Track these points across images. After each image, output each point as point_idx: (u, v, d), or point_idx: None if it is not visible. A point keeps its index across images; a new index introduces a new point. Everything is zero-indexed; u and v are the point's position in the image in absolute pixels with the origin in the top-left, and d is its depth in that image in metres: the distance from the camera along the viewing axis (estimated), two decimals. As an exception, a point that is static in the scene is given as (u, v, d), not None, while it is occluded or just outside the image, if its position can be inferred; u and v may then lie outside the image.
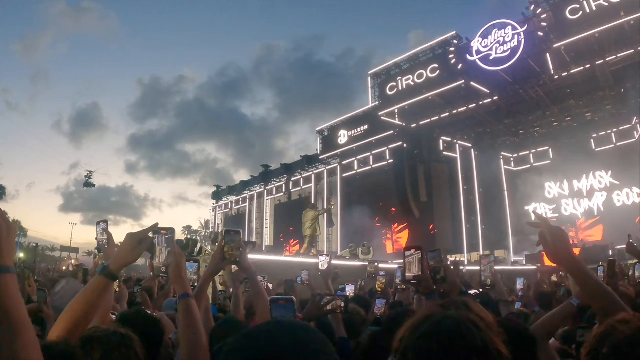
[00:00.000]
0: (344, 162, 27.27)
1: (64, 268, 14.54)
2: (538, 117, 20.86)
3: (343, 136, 25.92)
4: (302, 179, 30.29)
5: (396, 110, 21.59)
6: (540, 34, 16.88)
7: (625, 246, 4.17)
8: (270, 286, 5.28)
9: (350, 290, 4.81)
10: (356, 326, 3.19)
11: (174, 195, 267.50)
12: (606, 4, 15.22)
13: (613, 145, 20.94)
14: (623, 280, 4.30)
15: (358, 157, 26.32)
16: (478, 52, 18.04)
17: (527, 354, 1.63)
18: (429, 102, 20.30)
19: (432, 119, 20.57)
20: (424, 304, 2.37)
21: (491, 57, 17.65)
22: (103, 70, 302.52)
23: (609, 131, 20.92)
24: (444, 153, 23.11)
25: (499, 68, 17.52)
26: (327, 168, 28.29)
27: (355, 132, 25.31)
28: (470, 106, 19.32)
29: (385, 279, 4.90)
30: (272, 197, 32.83)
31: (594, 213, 21.79)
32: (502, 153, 24.50)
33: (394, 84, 21.94)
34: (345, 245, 22.90)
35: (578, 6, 15.84)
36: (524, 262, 18.80)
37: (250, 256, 2.64)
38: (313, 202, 24.77)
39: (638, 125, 19.25)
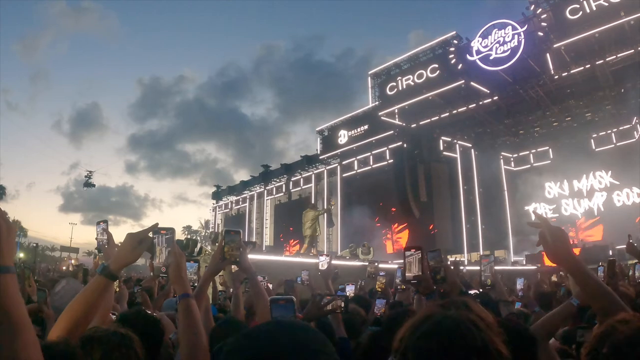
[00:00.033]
0: (344, 162, 27.27)
1: (64, 268, 14.53)
2: (538, 117, 20.87)
3: (343, 136, 25.93)
4: (302, 179, 30.29)
5: (396, 110, 21.59)
6: (540, 34, 16.88)
7: (625, 246, 4.17)
8: (270, 286, 5.28)
9: (350, 290, 4.81)
10: (356, 326, 3.19)
11: (174, 195, 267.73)
12: (606, 4, 15.21)
13: (613, 145, 20.94)
14: (623, 280, 4.30)
15: (358, 157, 26.32)
16: (478, 52, 18.04)
17: (527, 354, 1.63)
18: (429, 102, 20.30)
19: (432, 119, 20.57)
20: (424, 304, 2.37)
21: (491, 57, 17.65)
22: (103, 70, 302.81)
23: (609, 131, 20.92)
24: (444, 153, 23.10)
25: (499, 68, 17.52)
26: (327, 168, 28.29)
27: (355, 132, 25.32)
28: (470, 106, 19.32)
29: (385, 279, 4.90)
30: (272, 197, 32.83)
31: (594, 213, 21.79)
32: (502, 153, 24.50)
33: (394, 84, 21.94)
34: (345, 245, 22.90)
35: (578, 6, 15.84)
36: (524, 262, 18.79)
37: (250, 256, 2.64)
38: (313, 202, 24.77)
39: (638, 125, 19.25)
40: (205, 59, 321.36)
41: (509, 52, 17.19)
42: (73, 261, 14.24)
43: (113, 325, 1.84)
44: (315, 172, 29.15)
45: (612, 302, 1.61)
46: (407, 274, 2.28)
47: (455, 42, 19.90)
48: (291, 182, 30.42)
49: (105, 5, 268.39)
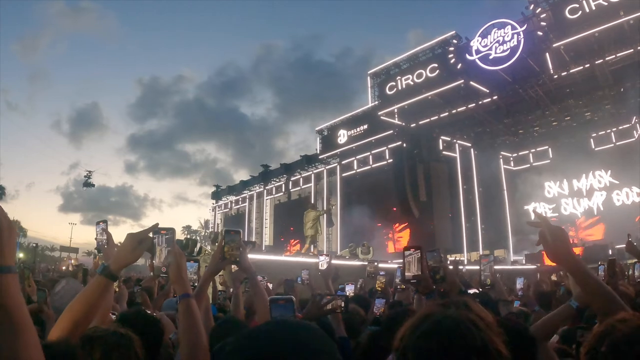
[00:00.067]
0: (343, 162, 27.26)
1: (64, 268, 14.53)
2: (537, 116, 20.89)
3: (342, 136, 25.93)
4: (301, 179, 30.29)
5: (395, 110, 21.60)
6: (540, 33, 16.90)
7: (624, 245, 4.17)
8: (270, 286, 5.27)
9: (350, 289, 4.81)
10: (355, 326, 3.19)
11: (173, 195, 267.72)
12: (605, 4, 15.23)
13: (612, 145, 20.94)
14: (623, 279, 4.30)
15: (357, 157, 26.31)
16: (477, 51, 18.05)
17: (527, 354, 1.64)
18: (429, 102, 20.32)
19: (432, 118, 20.58)
20: (424, 304, 2.37)
21: (490, 57, 17.66)
22: (102, 70, 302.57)
23: (609, 130, 20.93)
24: (444, 152, 23.11)
25: (499, 67, 17.53)
26: (326, 168, 28.29)
27: (355, 131, 25.32)
28: (469, 106, 19.33)
29: (385, 279, 4.90)
30: (272, 196, 32.82)
31: (593, 212, 21.81)
32: (502, 152, 24.51)
33: (394, 83, 21.95)
34: (344, 244, 22.89)
35: (577, 6, 15.85)
36: (524, 262, 18.79)
37: (250, 256, 2.64)
38: (313, 202, 24.78)
39: (637, 125, 19.26)
40: (204, 58, 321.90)
41: (508, 51, 17.20)
42: (73, 261, 14.24)
43: (113, 325, 1.84)
44: (314, 171, 29.15)
45: (612, 301, 1.61)
46: (406, 274, 2.28)
47: (455, 41, 19.91)
48: (291, 182, 30.41)
49: (104, 5, 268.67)
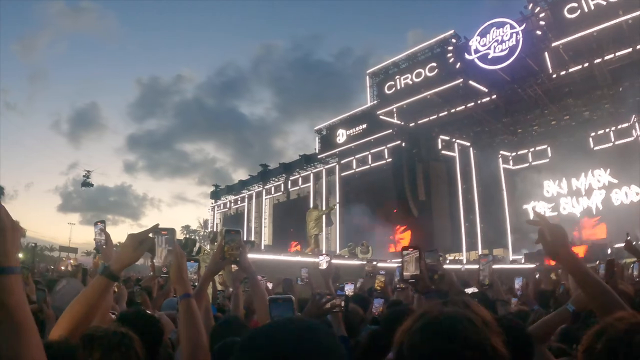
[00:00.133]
0: (342, 161, 27.24)
1: (63, 268, 14.46)
2: (536, 115, 20.89)
3: (341, 135, 25.91)
4: (300, 178, 30.24)
5: (394, 109, 21.58)
6: (539, 32, 16.89)
7: (623, 244, 4.17)
8: (270, 285, 5.28)
9: (349, 289, 4.81)
10: (354, 325, 3.19)
11: (172, 195, 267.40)
12: (604, 3, 15.22)
13: (611, 144, 20.91)
14: (622, 278, 4.30)
15: (356, 156, 26.29)
16: (476, 51, 18.04)
17: (525, 354, 1.64)
18: (428, 101, 20.31)
19: (431, 117, 20.57)
20: (424, 303, 2.38)
21: (489, 56, 17.66)
22: (102, 70, 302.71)
23: (608, 130, 20.90)
24: (443, 152, 23.08)
25: (497, 67, 17.52)
26: (325, 167, 28.27)
27: (354, 131, 25.30)
28: (468, 105, 19.33)
29: (385, 278, 4.90)
30: (271, 196, 32.77)
31: (592, 211, 21.80)
32: (501, 152, 24.50)
33: (392, 83, 21.93)
34: (344, 244, 22.87)
35: (576, 5, 15.84)
36: (523, 261, 18.79)
37: (250, 255, 2.65)
38: (313, 202, 24.84)
39: (636, 124, 19.26)
40: (204, 58, 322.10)
41: (507, 50, 17.20)
42: (72, 261, 14.13)
43: (113, 325, 1.85)
44: (313, 171, 29.11)
45: (611, 300, 1.61)
46: (404, 273, 2.29)
47: (454, 41, 19.92)
48: (290, 182, 30.38)
49: (103, 5, 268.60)
